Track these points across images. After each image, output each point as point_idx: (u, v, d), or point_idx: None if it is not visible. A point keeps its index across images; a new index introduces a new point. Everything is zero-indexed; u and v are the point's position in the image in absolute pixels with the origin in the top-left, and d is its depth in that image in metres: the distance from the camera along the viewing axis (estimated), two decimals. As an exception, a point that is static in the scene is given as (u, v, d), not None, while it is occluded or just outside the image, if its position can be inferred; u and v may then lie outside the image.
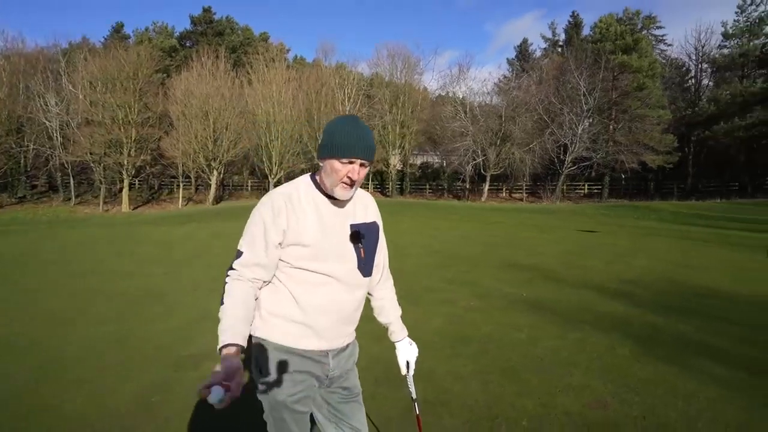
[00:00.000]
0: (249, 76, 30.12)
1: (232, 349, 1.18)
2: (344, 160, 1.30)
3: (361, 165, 1.32)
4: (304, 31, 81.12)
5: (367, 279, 1.44)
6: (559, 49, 36.95)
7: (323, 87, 28.92)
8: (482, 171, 31.62)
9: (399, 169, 34.88)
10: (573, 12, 43.84)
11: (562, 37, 39.57)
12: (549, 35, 40.96)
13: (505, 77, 37.66)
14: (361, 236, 1.39)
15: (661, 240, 10.51)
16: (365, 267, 1.41)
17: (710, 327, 4.06)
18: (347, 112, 30.38)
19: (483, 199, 31.07)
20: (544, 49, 41.01)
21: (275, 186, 25.06)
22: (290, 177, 34.57)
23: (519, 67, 38.24)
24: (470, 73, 56.82)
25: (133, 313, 4.52)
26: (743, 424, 2.43)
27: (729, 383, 2.93)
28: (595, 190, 32.34)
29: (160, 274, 6.50)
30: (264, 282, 1.37)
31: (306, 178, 1.43)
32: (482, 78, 59.06)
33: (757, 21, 30.72)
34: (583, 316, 4.33)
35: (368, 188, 34.36)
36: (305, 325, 1.34)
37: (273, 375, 1.35)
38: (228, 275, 1.36)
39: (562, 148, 29.05)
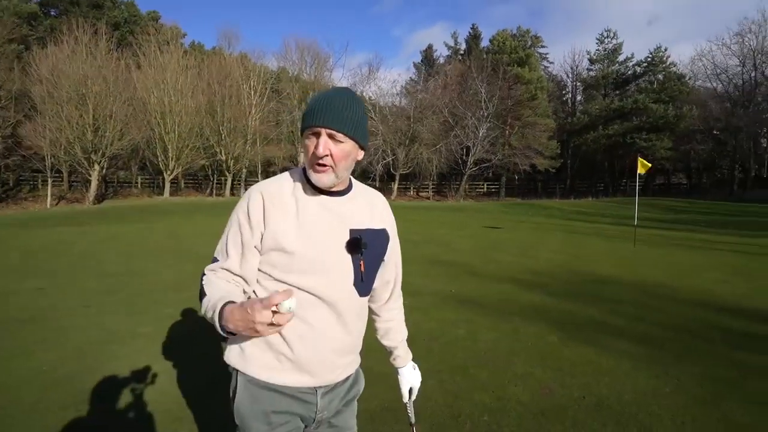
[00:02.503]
0: (137, 59, 26.74)
1: (234, 304, 0.98)
2: (310, 133, 1.06)
3: (332, 138, 1.05)
4: (200, 15, 74.33)
5: (366, 299, 1.19)
6: (461, 57, 39.57)
7: (227, 78, 26.92)
8: (392, 170, 32.47)
9: (309, 166, 34.11)
10: (473, 24, 47.34)
11: (464, 46, 42.44)
12: (452, 44, 43.66)
13: (412, 80, 39.21)
14: (363, 245, 1.11)
15: (554, 234, 11.85)
16: (364, 284, 1.15)
17: (610, 309, 4.64)
18: (253, 106, 28.79)
19: (393, 197, 31.94)
20: (448, 56, 43.58)
21: (171, 184, 22.41)
22: (189, 174, 31.79)
23: (425, 71, 40.11)
24: (380, 73, 57.84)
25: (1, 343, 3.62)
26: (657, 391, 2.81)
27: (636, 356, 3.37)
28: (493, 189, 35.41)
29: (32, 290, 5.34)
30: (244, 290, 1.13)
31: (298, 169, 1.16)
32: (391, 79, 60.47)
33: (612, 51, 36.67)
34: (509, 308, 4.64)
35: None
36: (285, 356, 1.08)
37: (249, 415, 1.11)
38: (202, 279, 1.12)
39: (465, 150, 31.19)
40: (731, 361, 3.30)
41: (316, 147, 1.05)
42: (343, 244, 1.11)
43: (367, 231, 1.15)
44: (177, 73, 25.33)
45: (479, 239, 10.52)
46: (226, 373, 2.85)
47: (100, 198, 25.30)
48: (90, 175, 24.53)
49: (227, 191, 28.43)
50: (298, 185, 1.12)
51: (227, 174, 28.00)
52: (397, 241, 1.30)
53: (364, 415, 2.42)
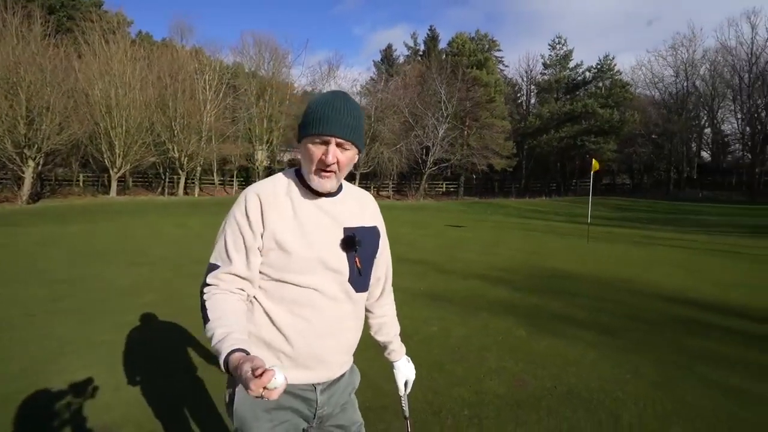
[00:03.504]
0: (79, 48, 24.87)
1: (243, 353, 0.90)
2: (317, 140, 1.07)
3: (339, 146, 1.08)
4: (147, 3, 69.70)
5: (362, 295, 1.21)
6: (419, 58, 40.08)
7: (180, 71, 25.63)
8: (352, 169, 32.20)
9: (266, 165, 33.29)
10: (431, 26, 48.15)
11: (422, 47, 43.02)
12: (411, 44, 44.13)
13: (372, 79, 39.24)
14: (357, 243, 1.15)
15: (513, 232, 12.30)
16: (360, 280, 1.18)
17: (572, 302, 4.89)
18: (208, 101, 27.64)
19: (354, 196, 31.79)
20: (407, 56, 43.99)
21: (118, 182, 21.02)
22: (138, 171, 29.96)
23: (385, 71, 40.29)
24: (340, 72, 57.30)
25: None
26: (619, 378, 3.00)
27: (598, 346, 3.57)
28: (452, 189, 36.17)
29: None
30: (249, 295, 1.12)
31: (290, 171, 1.19)
32: (352, 78, 60.16)
33: (563, 57, 38.63)
34: (478, 304, 4.76)
35: (233, 186, 31.96)
36: (285, 353, 1.11)
37: (250, 416, 1.11)
38: (204, 293, 1.08)
39: (424, 150, 31.65)
40: (681, 348, 3.58)
41: (325, 155, 1.07)
42: (338, 243, 1.14)
43: (360, 229, 1.19)
44: (124, 64, 23.80)
45: (442, 238, 10.71)
46: (195, 380, 2.75)
47: (35, 197, 23.30)
48: (23, 172, 22.51)
49: (180, 190, 27.13)
50: (292, 187, 1.15)
51: (180, 172, 26.70)
52: (386, 238, 1.34)
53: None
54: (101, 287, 5.24)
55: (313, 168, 1.09)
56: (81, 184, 27.84)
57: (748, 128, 33.57)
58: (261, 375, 0.79)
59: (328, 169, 1.08)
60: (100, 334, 3.64)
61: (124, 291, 5.04)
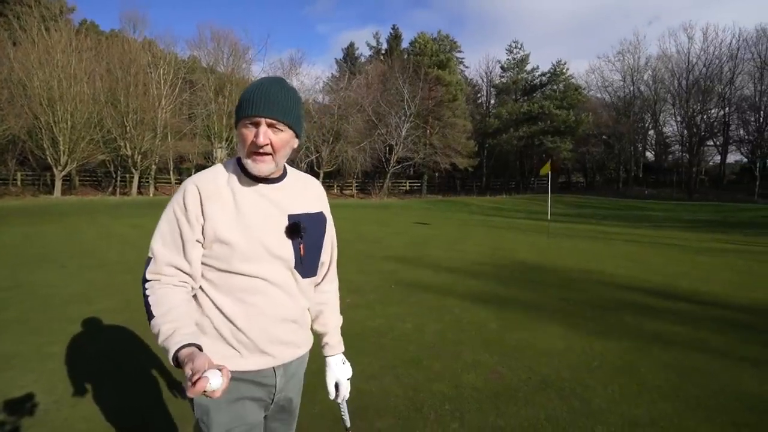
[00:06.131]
0: (14, 34, 22.92)
1: (192, 348, 0.92)
2: (247, 122, 1.06)
3: (271, 127, 1.05)
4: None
5: (309, 280, 1.21)
6: (382, 57, 40.15)
7: (132, 64, 24.21)
8: (315, 168, 31.93)
9: (227, 163, 32.20)
10: (393, 25, 48.29)
11: (385, 46, 43.12)
12: (374, 43, 44.11)
13: (334, 77, 38.89)
14: (302, 229, 1.14)
15: (476, 229, 12.60)
16: (306, 267, 1.17)
17: (537, 294, 5.06)
18: (163, 97, 26.33)
19: (318, 195, 31.35)
20: (370, 55, 43.95)
21: (63, 181, 19.67)
22: (85, 170, 28.02)
23: (347, 68, 40.07)
24: (302, 69, 56.29)
25: None
26: (587, 366, 3.12)
27: (566, 336, 3.71)
28: (416, 187, 36.58)
29: None
30: (193, 288, 1.10)
31: (232, 160, 1.17)
32: (314, 75, 59.39)
33: (520, 61, 40.07)
34: (449, 300, 4.82)
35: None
36: (240, 342, 1.11)
37: (210, 403, 1.09)
38: (145, 288, 1.06)
39: (388, 149, 31.76)
40: (638, 332, 3.81)
41: (256, 136, 1.05)
42: (283, 230, 1.13)
43: (305, 215, 1.18)
44: (68, 54, 22.19)
45: (409, 235, 10.78)
46: (162, 389, 2.65)
47: (-35, 198, 21.29)
48: (-48, 171, 20.53)
49: (134, 189, 25.67)
50: (233, 175, 1.12)
51: (134, 171, 25.27)
52: (332, 223, 1.33)
53: (317, 412, 2.35)
54: (49, 294, 4.84)
55: (246, 151, 1.07)
56: (18, 182, 25.69)
57: (685, 131, 36.25)
58: (195, 383, 0.81)
59: (262, 151, 1.06)
60: (51, 345, 3.36)
61: (76, 298, 4.69)
